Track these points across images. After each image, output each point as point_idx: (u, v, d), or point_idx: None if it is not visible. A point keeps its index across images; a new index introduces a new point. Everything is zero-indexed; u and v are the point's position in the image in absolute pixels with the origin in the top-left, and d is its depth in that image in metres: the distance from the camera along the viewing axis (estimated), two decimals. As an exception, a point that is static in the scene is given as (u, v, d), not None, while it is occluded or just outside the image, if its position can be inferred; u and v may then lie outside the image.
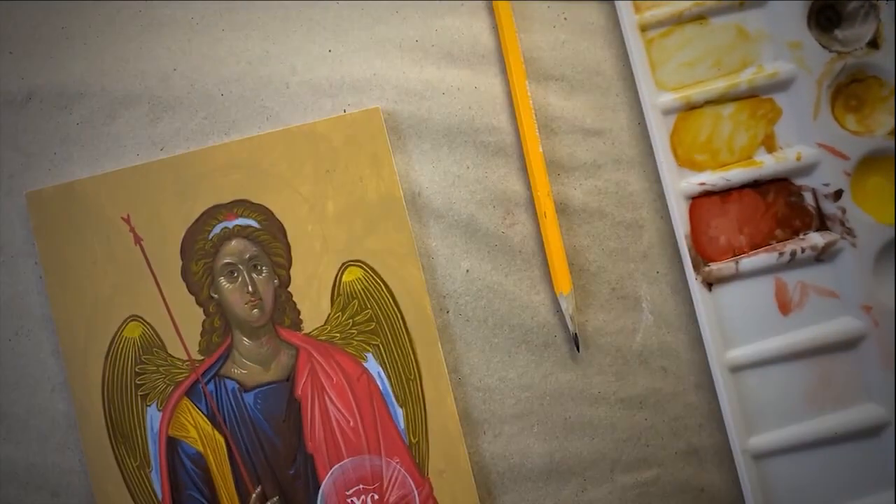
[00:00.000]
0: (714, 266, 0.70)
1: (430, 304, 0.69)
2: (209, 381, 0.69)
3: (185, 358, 0.69)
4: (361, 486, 0.68)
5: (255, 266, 0.69)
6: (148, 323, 0.69)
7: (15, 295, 0.69)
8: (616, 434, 0.70)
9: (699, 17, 0.71)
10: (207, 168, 0.70)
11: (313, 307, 0.69)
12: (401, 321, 0.69)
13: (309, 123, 0.70)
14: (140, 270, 0.69)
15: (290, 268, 0.69)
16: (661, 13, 0.70)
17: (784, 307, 0.70)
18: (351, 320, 0.69)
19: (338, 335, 0.69)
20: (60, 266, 0.69)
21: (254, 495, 0.68)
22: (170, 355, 0.69)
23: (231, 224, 0.69)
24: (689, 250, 0.69)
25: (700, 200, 0.70)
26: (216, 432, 0.68)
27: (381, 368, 0.69)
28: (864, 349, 0.69)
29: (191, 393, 0.69)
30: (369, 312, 0.69)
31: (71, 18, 0.72)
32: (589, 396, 0.70)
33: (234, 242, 0.69)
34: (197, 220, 0.69)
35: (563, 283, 0.69)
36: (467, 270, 0.70)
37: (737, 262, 0.69)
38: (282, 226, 0.70)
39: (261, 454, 0.68)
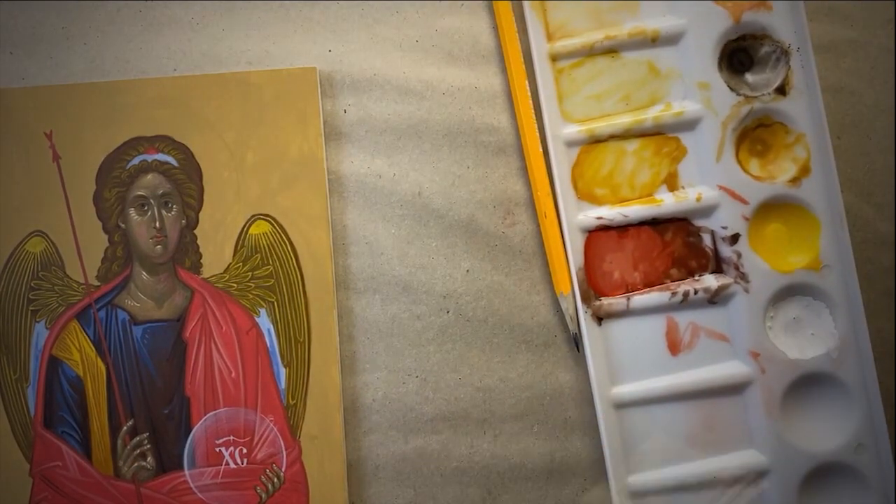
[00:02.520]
0: (605, 301, 0.70)
1: (332, 271, 0.69)
2: (101, 307, 0.69)
3: (82, 281, 0.69)
4: (232, 438, 0.68)
5: (166, 203, 0.70)
6: (51, 241, 0.69)
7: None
8: (617, 434, 0.70)
9: (611, 51, 0.71)
10: (137, 99, 0.70)
11: (216, 253, 0.70)
12: (300, 283, 0.69)
13: (243, 72, 0.70)
14: (53, 188, 0.69)
15: (199, 210, 0.70)
16: (573, 43, 0.71)
17: (674, 347, 0.70)
18: (251, 273, 0.69)
19: (235, 285, 0.69)
20: None
21: (124, 428, 0.68)
22: (67, 276, 0.69)
23: (150, 158, 0.70)
24: (581, 283, 0.69)
25: (597, 234, 0.70)
26: (99, 359, 0.69)
27: (272, 326, 0.69)
28: (749, 395, 0.69)
29: (81, 317, 0.69)
30: (270, 269, 0.69)
31: (71, 18, 0.71)
32: (589, 396, 0.70)
33: (149, 176, 0.70)
34: (118, 149, 0.70)
35: (563, 283, 0.69)
36: (467, 270, 0.70)
37: (628, 299, 0.70)
38: (199, 168, 0.70)
39: (139, 389, 0.68)
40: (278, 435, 0.68)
